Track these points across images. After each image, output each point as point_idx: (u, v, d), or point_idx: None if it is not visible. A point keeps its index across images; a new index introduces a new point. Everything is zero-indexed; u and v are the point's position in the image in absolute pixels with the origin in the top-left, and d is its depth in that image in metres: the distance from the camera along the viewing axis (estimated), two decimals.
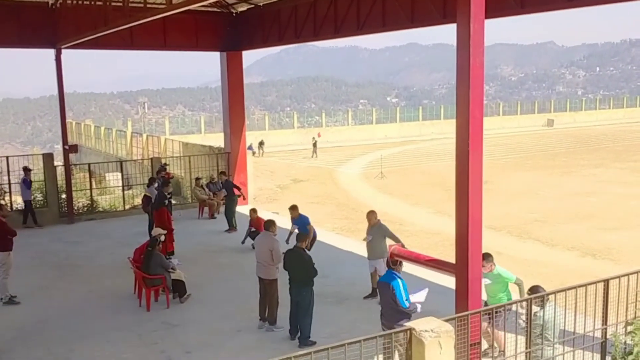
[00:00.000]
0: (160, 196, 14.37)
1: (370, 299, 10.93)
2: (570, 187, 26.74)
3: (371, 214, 10.88)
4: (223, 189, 17.68)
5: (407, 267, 10.10)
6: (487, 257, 7.89)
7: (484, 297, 8.01)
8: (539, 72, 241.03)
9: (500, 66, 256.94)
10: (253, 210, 14.45)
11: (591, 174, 30.83)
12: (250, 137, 34.13)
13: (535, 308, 6.83)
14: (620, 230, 18.64)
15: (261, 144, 41.99)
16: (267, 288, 9.80)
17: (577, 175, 30.58)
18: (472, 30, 6.57)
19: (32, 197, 17.99)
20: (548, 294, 6.60)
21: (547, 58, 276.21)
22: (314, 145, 40.83)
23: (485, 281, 7.86)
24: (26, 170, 17.63)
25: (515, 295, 8.30)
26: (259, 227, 14.53)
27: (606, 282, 6.93)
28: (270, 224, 10.01)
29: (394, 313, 7.55)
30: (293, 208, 12.68)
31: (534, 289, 7.11)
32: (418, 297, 7.89)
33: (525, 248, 17.18)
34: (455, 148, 6.92)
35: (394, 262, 8.06)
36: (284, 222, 14.05)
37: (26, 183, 17.45)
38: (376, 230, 10.66)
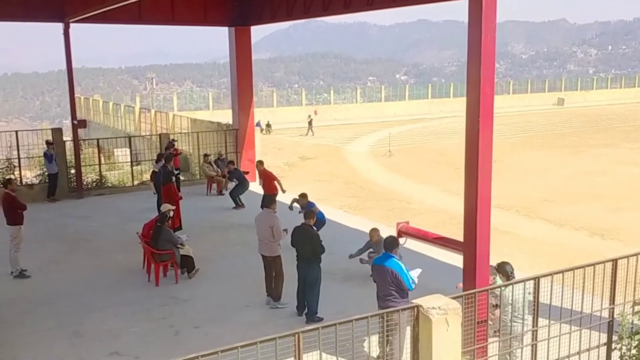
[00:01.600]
0: (165, 172, 14.34)
1: None
2: (580, 167, 26.58)
3: (374, 231, 10.79)
4: (233, 179, 17.26)
5: (415, 245, 10.14)
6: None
7: None
8: (550, 50, 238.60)
9: (510, 44, 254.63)
10: (260, 162, 14.35)
11: (601, 153, 30.61)
12: (259, 114, 34.00)
13: (499, 281, 6.88)
14: (629, 211, 18.54)
15: (268, 125, 41.56)
16: (271, 265, 9.85)
17: (586, 154, 30.38)
18: (484, 5, 6.48)
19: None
20: (556, 273, 6.58)
21: (559, 36, 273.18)
22: (309, 123, 40.54)
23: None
24: (48, 143, 17.53)
25: None
26: (267, 178, 14.56)
27: (614, 261, 6.92)
28: (270, 201, 10.01)
29: (393, 294, 7.49)
30: (303, 196, 12.59)
31: (500, 266, 7.13)
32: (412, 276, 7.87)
33: (533, 227, 17.14)
34: (465, 126, 6.87)
35: (397, 242, 7.95)
36: (290, 199, 14.01)
37: (47, 156, 17.40)
38: (379, 247, 10.51)
